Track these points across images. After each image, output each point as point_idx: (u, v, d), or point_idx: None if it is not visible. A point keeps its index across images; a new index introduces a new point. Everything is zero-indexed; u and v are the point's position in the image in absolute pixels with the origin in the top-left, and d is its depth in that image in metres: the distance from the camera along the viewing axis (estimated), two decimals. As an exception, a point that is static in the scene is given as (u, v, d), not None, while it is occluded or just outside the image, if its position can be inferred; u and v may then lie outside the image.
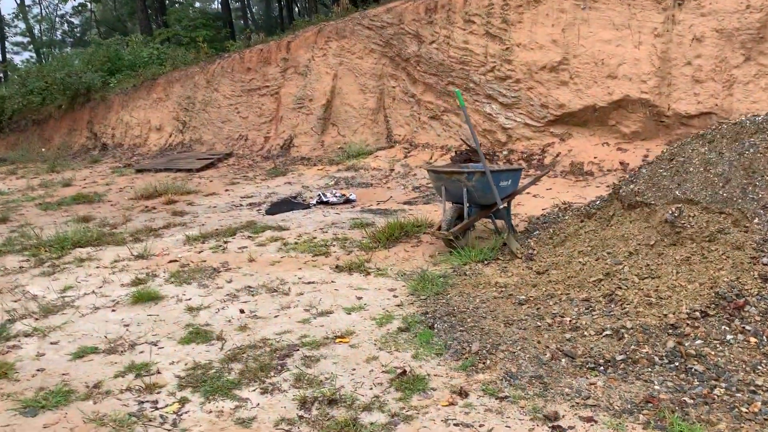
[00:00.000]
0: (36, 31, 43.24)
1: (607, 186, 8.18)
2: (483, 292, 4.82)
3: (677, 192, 4.74)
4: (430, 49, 11.43)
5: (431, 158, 10.89)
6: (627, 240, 4.82)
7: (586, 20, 9.59)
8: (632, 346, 3.70)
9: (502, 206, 5.74)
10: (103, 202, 10.38)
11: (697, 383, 3.28)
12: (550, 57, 9.81)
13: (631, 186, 5.11)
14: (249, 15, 47.32)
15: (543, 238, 5.61)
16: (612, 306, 4.22)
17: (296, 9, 34.76)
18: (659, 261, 4.49)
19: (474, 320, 4.25)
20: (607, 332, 3.88)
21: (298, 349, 4.05)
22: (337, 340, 4.14)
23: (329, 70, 13.33)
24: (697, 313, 3.83)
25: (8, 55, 42.41)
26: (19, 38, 45.02)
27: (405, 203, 8.70)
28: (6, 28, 42.85)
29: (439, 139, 11.32)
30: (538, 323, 4.13)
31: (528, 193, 8.01)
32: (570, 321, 4.10)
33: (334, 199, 9.02)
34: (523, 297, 4.58)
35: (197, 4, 43.01)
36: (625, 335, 3.81)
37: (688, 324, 3.78)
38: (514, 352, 3.76)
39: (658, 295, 4.17)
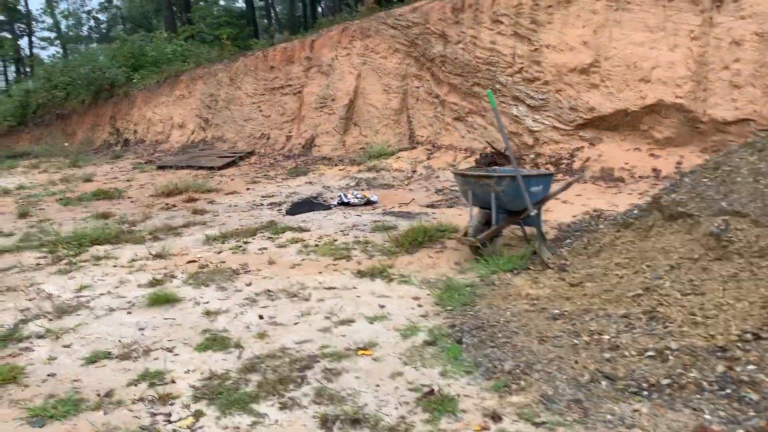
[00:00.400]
0: (63, 27, 43.70)
1: (640, 193, 7.89)
2: (513, 304, 4.58)
3: (723, 203, 4.46)
4: (456, 49, 11.19)
5: (455, 160, 10.65)
6: (668, 253, 4.54)
7: (619, 22, 9.28)
8: (678, 370, 3.44)
9: (533, 213, 5.48)
10: (124, 199, 10.29)
11: (753, 413, 3.01)
12: (581, 59, 9.52)
13: (673, 195, 4.83)
14: (273, 14, 47.39)
15: (576, 247, 5.35)
16: (654, 324, 3.96)
17: (320, 8, 34.68)
18: (704, 276, 4.21)
19: (505, 335, 4.01)
20: (650, 353, 3.62)
21: (318, 361, 3.84)
22: (360, 352, 3.93)
23: (353, 69, 13.14)
24: (749, 335, 3.55)
25: (35, 50, 42.89)
26: (46, 33, 45.56)
27: (428, 206, 8.47)
28: (33, 23, 43.35)
29: (463, 141, 11.08)
30: (575, 341, 3.89)
31: (557, 198, 7.71)
32: (609, 339, 3.85)
33: (356, 201, 8.83)
34: (557, 311, 4.33)
35: (222, 2, 43.17)
36: (670, 357, 3.55)
37: (738, 347, 3.50)
38: (550, 373, 3.52)
39: (704, 313, 3.90)
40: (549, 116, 9.85)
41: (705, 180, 4.75)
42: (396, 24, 12.46)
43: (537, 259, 5.43)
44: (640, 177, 8.45)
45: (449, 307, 4.60)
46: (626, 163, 8.74)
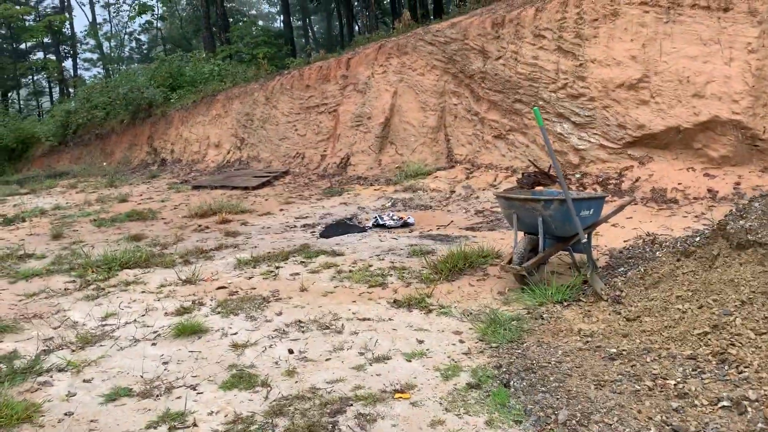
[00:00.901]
0: (105, 48, 44.83)
1: (696, 216, 7.40)
2: (565, 341, 4.18)
3: (801, 231, 4.01)
4: (496, 65, 10.85)
5: (495, 180, 10.27)
6: (737, 286, 4.10)
7: (669, 35, 8.83)
8: (759, 425, 3.00)
9: (585, 239, 5.08)
10: (157, 220, 10.18)
11: None
12: (629, 74, 9.08)
13: (741, 222, 4.39)
14: (310, 33, 47.88)
15: (631, 277, 4.93)
16: (725, 368, 3.52)
17: (357, 27, 34.78)
18: (781, 314, 3.76)
19: (557, 378, 3.62)
20: (724, 403, 3.19)
21: (351, 404, 3.51)
22: (396, 395, 3.59)
23: (389, 87, 12.91)
24: (841, 386, 3.10)
25: (79, 71, 44.08)
26: (89, 55, 46.81)
27: (467, 228, 8.11)
28: (78, 45, 44.59)
29: (503, 160, 10.69)
30: (636, 386, 3.47)
31: (606, 221, 7.29)
32: (675, 385, 3.43)
33: (392, 223, 8.52)
34: (614, 350, 3.92)
35: (260, 23, 43.81)
36: (749, 409, 3.11)
37: (829, 399, 3.06)
38: (611, 425, 3.12)
39: (785, 357, 3.46)
40: (595, 134, 9.41)
41: (778, 205, 4.30)
42: (434, 40, 12.19)
43: (588, 290, 5.03)
44: (695, 198, 7.94)
45: (494, 344, 4.22)
46: (679, 184, 8.24)
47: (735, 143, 8.18)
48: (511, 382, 3.63)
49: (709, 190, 7.98)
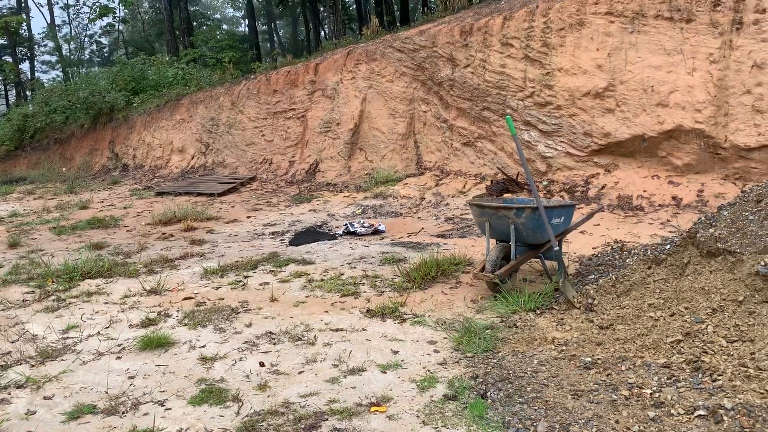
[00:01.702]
0: (65, 51, 43.72)
1: (661, 223, 7.51)
2: (540, 350, 4.16)
3: (769, 240, 4.07)
4: (465, 72, 10.89)
5: (464, 187, 10.29)
6: (708, 293, 4.14)
7: (634, 44, 8.98)
8: (736, 433, 3.02)
9: (557, 247, 5.09)
10: (119, 228, 9.91)
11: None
12: (595, 83, 9.20)
13: (711, 230, 4.44)
14: (276, 38, 47.57)
15: (603, 285, 4.94)
16: (699, 376, 3.55)
17: (323, 32, 34.66)
18: (751, 321, 3.81)
19: (534, 389, 3.59)
20: (701, 412, 3.21)
21: (326, 419, 3.43)
22: (372, 408, 3.51)
23: (358, 93, 12.85)
24: (813, 393, 3.14)
25: (36, 74, 42.88)
26: (47, 57, 45.59)
27: (438, 236, 8.09)
28: (35, 46, 43.40)
29: (472, 167, 10.72)
30: (613, 395, 3.47)
31: (576, 229, 7.35)
32: (651, 394, 3.44)
33: (362, 230, 8.45)
34: (589, 359, 3.92)
35: (225, 27, 43.34)
36: (725, 418, 3.13)
37: (802, 406, 3.10)
38: (590, 436, 3.10)
39: (756, 364, 3.50)
40: (562, 142, 9.51)
41: (746, 214, 4.37)
42: (402, 47, 12.19)
43: (561, 297, 5.04)
44: (660, 205, 8.06)
45: (469, 354, 4.18)
46: (644, 191, 8.37)
47: (698, 151, 8.35)
48: (488, 393, 3.59)
49: (674, 198, 8.12)
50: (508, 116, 4.74)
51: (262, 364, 4.23)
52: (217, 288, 6.12)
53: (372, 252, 7.30)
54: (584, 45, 9.41)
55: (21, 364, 4.45)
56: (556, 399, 3.47)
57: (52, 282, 6.49)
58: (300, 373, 4.07)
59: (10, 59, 36.38)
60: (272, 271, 6.66)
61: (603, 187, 8.79)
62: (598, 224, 7.63)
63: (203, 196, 12.62)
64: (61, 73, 41.50)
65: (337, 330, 4.81)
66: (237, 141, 15.19)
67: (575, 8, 9.56)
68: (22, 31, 39.45)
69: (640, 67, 8.85)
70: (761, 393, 3.30)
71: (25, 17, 39.02)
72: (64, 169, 18.69)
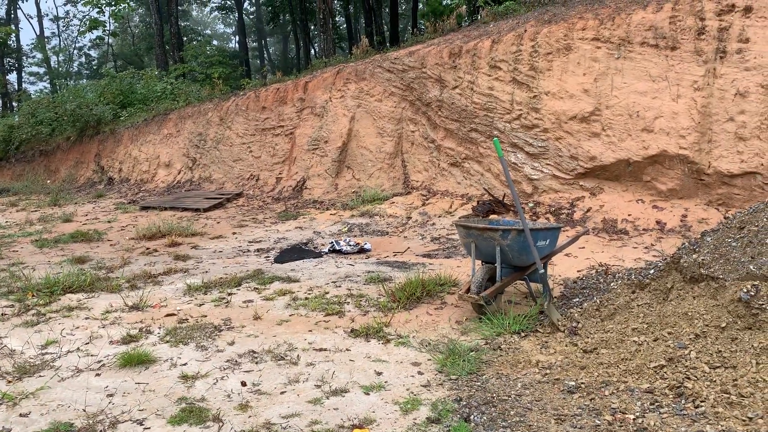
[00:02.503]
0: (53, 63, 43.57)
1: (645, 247, 7.57)
2: (524, 373, 4.15)
3: (751, 266, 4.11)
4: (453, 94, 10.98)
5: (451, 207, 10.31)
6: (691, 319, 4.17)
7: (620, 70, 9.11)
8: (718, 461, 3.02)
9: (542, 269, 5.11)
10: (103, 241, 9.81)
11: None
12: (581, 107, 9.31)
13: (694, 256, 4.48)
14: (266, 55, 47.76)
15: (587, 308, 4.95)
16: (683, 402, 3.55)
17: (313, 50, 34.86)
18: (733, 347, 3.84)
19: (518, 413, 3.57)
20: (683, 438, 3.21)
21: (308, 441, 3.38)
22: (355, 430, 3.48)
23: (347, 111, 12.90)
24: (794, 421, 3.16)
25: (24, 85, 42.65)
26: (35, 68, 45.39)
27: (424, 255, 8.08)
28: (23, 58, 43.21)
29: (459, 187, 10.77)
30: (596, 420, 3.46)
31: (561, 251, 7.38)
32: (634, 420, 3.43)
33: (348, 248, 8.42)
34: (573, 383, 3.92)
35: (215, 42, 43.46)
36: (708, 445, 3.13)
37: (784, 434, 3.10)
38: (573, 462, 3.09)
39: (738, 391, 3.51)
40: (548, 164, 9.58)
41: (729, 240, 4.41)
42: (392, 67, 12.27)
43: (545, 320, 5.04)
44: (644, 229, 8.13)
45: (453, 376, 4.16)
46: (629, 215, 8.44)
47: (682, 177, 8.44)
48: (472, 416, 3.57)
49: (658, 222, 8.19)
50: (495, 138, 4.77)
51: (243, 384, 4.18)
52: (200, 305, 6.06)
53: (357, 271, 7.27)
54: (571, 69, 9.53)
55: (-3, 379, 4.36)
56: (540, 423, 3.45)
57: (32, 296, 6.40)
58: (282, 393, 4.03)
59: (-3, 70, 36.20)
60: (256, 288, 6.61)
61: (588, 210, 8.86)
62: (583, 247, 7.67)
63: (189, 211, 12.55)
64: (48, 85, 41.34)
65: (320, 350, 4.77)
66: (224, 157, 15.16)
67: (563, 33, 9.69)
68: (11, 41, 39.31)
69: (625, 92, 8.97)
70: (743, 420, 3.30)
71: (13, 28, 38.92)
72: (48, 181, 18.53)
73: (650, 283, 4.82)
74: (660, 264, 4.97)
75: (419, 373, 4.28)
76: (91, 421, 3.70)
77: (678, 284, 4.56)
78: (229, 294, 6.40)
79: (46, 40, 42.87)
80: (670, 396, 3.65)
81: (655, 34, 8.82)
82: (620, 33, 9.12)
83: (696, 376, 3.74)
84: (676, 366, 3.89)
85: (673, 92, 8.61)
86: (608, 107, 9.08)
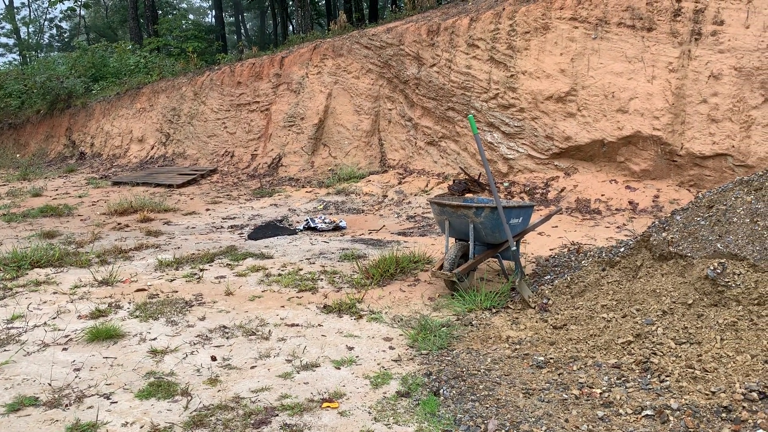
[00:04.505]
0: (23, 34, 42.41)
1: (617, 227, 7.65)
2: (494, 349, 4.19)
3: (719, 245, 4.17)
4: (431, 72, 10.92)
5: (427, 185, 10.31)
6: (659, 296, 4.23)
7: (597, 51, 9.12)
8: (680, 433, 3.08)
9: (514, 247, 5.13)
10: (73, 216, 9.64)
11: (772, 492, 2.66)
12: (557, 87, 9.32)
13: (663, 234, 4.53)
14: (243, 30, 46.99)
15: (558, 285, 5.00)
16: (648, 377, 3.61)
17: (291, 26, 34.37)
18: (699, 324, 3.90)
19: (487, 387, 3.60)
20: (648, 412, 3.26)
21: (277, 414, 3.38)
22: (324, 404, 3.48)
23: (323, 88, 12.77)
24: (755, 394, 3.23)
25: (-8, 57, 41.50)
26: (4, 39, 44.15)
27: (399, 234, 8.08)
28: (-8, 28, 42.00)
29: (435, 166, 10.76)
30: (564, 394, 3.50)
31: (534, 230, 7.43)
32: (600, 393, 3.48)
33: (323, 226, 8.39)
34: (542, 358, 3.96)
35: (191, 17, 42.64)
36: (671, 418, 3.19)
37: (744, 407, 3.17)
38: (539, 434, 3.12)
39: (703, 366, 3.58)
40: (524, 144, 9.60)
41: (698, 219, 4.46)
42: (369, 44, 12.15)
43: (516, 297, 5.08)
44: (616, 209, 8.21)
45: (424, 351, 4.18)
46: (602, 195, 8.51)
47: (655, 158, 8.53)
48: (441, 390, 3.59)
49: (630, 202, 8.27)
50: (470, 115, 4.75)
51: (213, 358, 4.15)
52: (172, 280, 6.00)
53: (332, 248, 7.25)
54: (548, 49, 9.52)
55: (-40, 354, 4.28)
56: (508, 397, 3.48)
57: (-1, 270, 6.27)
58: (252, 367, 4.01)
59: (-36, 40, 35.11)
60: (229, 264, 6.55)
61: (562, 190, 8.91)
62: (556, 226, 7.73)
63: (162, 187, 12.37)
64: (18, 57, 40.23)
65: (292, 325, 4.76)
66: (198, 132, 14.94)
67: (540, 12, 9.66)
68: (-22, 11, 38.15)
69: (601, 73, 9.00)
70: (706, 394, 3.37)
71: (-19, -3, 37.74)
72: (17, 155, 18.12)
73: (620, 261, 4.87)
74: (630, 242, 5.03)
75: (390, 348, 4.29)
76: (56, 395, 3.65)
77: (647, 262, 4.62)
78: (201, 270, 6.34)
79: (15, 10, 41.64)
80: (637, 371, 3.70)
81: (632, 14, 8.84)
82: (597, 13, 9.11)
83: (662, 352, 3.80)
84: (643, 342, 3.95)
85: (648, 73, 8.66)
86: (584, 87, 9.11)
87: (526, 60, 9.72)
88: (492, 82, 10.05)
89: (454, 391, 3.58)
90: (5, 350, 4.35)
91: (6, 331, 4.72)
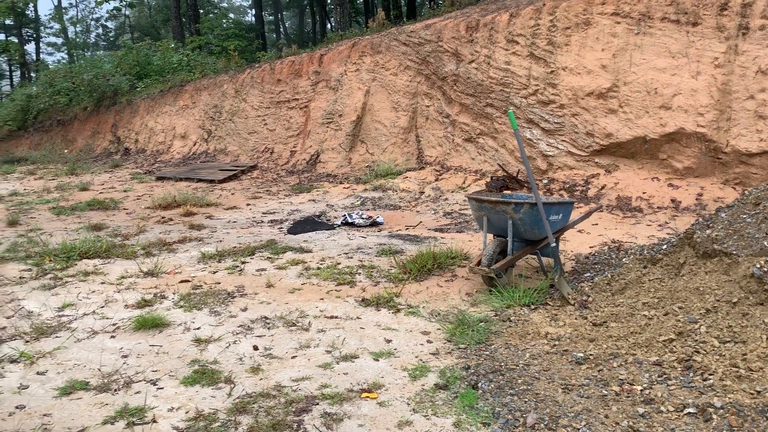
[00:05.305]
0: (71, 33, 43.66)
1: (659, 225, 7.52)
2: (532, 344, 4.18)
3: (766, 242, 4.08)
4: (469, 68, 10.88)
5: (464, 182, 10.29)
6: (703, 294, 4.16)
7: (640, 46, 8.97)
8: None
9: (554, 243, 5.10)
10: (119, 210, 9.92)
11: (819, 493, 2.61)
12: (599, 83, 9.19)
13: (708, 231, 4.46)
14: (282, 28, 47.48)
15: (598, 283, 4.96)
16: (691, 375, 3.56)
17: (329, 24, 34.60)
18: (744, 323, 3.83)
19: (525, 381, 3.61)
20: (690, 410, 3.22)
21: (317, 403, 3.44)
22: (363, 394, 3.53)
23: (361, 85, 12.84)
24: (802, 394, 3.16)
25: (41, 55, 42.84)
26: (53, 39, 45.53)
27: (436, 230, 8.10)
28: (41, 28, 43.32)
29: (473, 163, 10.73)
30: (603, 390, 3.49)
31: (574, 227, 7.36)
32: (641, 390, 3.45)
33: (360, 221, 8.45)
34: (581, 355, 3.94)
35: (231, 15, 43.27)
36: (714, 416, 3.15)
37: (791, 407, 3.11)
38: (579, 429, 3.12)
39: (747, 365, 3.51)
40: (564, 141, 9.51)
41: (744, 216, 4.38)
42: (408, 41, 12.17)
43: (555, 294, 5.05)
44: (658, 207, 8.07)
45: (462, 345, 4.20)
46: (644, 193, 8.37)
47: (699, 155, 8.35)
48: (479, 384, 3.61)
49: (673, 200, 8.12)
50: (510, 111, 4.74)
51: (255, 348, 4.25)
52: (214, 272, 6.14)
53: (369, 243, 7.31)
54: (590, 45, 9.40)
55: (15, 339, 4.47)
56: (547, 392, 3.48)
57: (50, 261, 6.51)
58: (293, 357, 4.09)
59: (16, 40, 36.33)
60: (269, 257, 6.67)
61: (603, 188, 8.80)
62: (596, 224, 7.64)
63: (204, 182, 12.63)
64: (66, 56, 41.47)
65: (331, 317, 4.83)
66: (239, 129, 15.18)
67: (582, 8, 9.55)
68: (29, 12, 39.40)
69: (644, 68, 8.85)
70: (751, 393, 3.31)
71: (31, -2, 39.01)
72: (65, 150, 18.69)
73: (662, 259, 4.81)
74: (673, 240, 4.95)
75: (428, 341, 4.32)
76: (106, 380, 3.79)
77: (690, 260, 4.55)
78: (243, 262, 6.47)
79: (63, 10, 42.92)
80: (679, 369, 3.65)
81: (677, 9, 8.66)
82: (641, 8, 8.96)
83: (705, 350, 3.75)
84: (685, 340, 3.89)
85: (692, 69, 8.48)
86: (626, 83, 8.97)
87: (566, 56, 9.62)
88: (532, 78, 9.97)
89: (493, 385, 3.59)
90: (57, 337, 4.52)
91: (57, 318, 4.91)
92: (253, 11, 43.25)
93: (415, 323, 4.68)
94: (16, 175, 15.17)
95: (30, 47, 41.32)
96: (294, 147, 13.81)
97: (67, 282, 5.87)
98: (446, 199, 9.78)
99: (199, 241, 7.55)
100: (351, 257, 6.66)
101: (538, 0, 10.53)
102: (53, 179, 13.82)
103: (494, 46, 10.56)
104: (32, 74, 33.19)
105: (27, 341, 4.43)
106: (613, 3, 9.25)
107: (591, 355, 3.95)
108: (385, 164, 11.62)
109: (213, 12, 39.10)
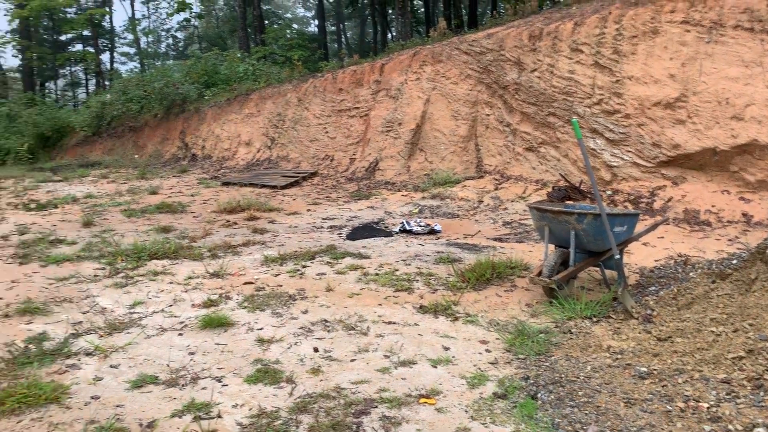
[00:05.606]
0: (143, 44, 45.56)
1: (729, 239, 7.26)
2: (594, 357, 4.12)
3: None
4: (531, 77, 10.79)
5: (524, 192, 10.19)
6: (776, 312, 4.00)
7: (710, 55, 8.70)
8: (796, 454, 2.92)
9: (618, 255, 5.01)
10: (186, 213, 10.28)
11: None
12: (666, 92, 8.96)
13: (782, 246, 4.29)
14: (344, 38, 48.17)
15: (663, 297, 4.84)
16: (761, 394, 3.43)
17: (390, 34, 34.90)
18: (820, 342, 3.66)
19: (586, 394, 3.56)
20: (760, 429, 3.11)
21: (376, 406, 3.49)
22: (422, 400, 3.56)
23: (421, 94, 12.91)
24: None
25: (115, 65, 44.85)
26: (126, 49, 47.62)
27: (495, 239, 8.05)
28: (116, 38, 45.40)
29: (533, 173, 10.61)
30: (668, 406, 3.40)
31: (638, 239, 7.18)
32: (708, 408, 3.35)
33: (418, 229, 8.49)
34: (645, 369, 3.85)
35: (295, 26, 44.21)
36: (786, 437, 3.03)
37: None
38: (641, 444, 3.06)
39: (823, 387, 3.36)
40: (629, 151, 9.30)
41: (822, 231, 4.19)
42: (469, 50, 12.17)
43: (619, 307, 4.95)
44: (728, 222, 7.79)
45: (521, 356, 4.17)
46: (713, 206, 8.09)
47: (773, 168, 8.02)
48: (539, 395, 3.58)
49: (744, 214, 7.82)
50: (574, 119, 4.70)
51: (316, 350, 4.34)
52: (276, 275, 6.29)
53: (427, 251, 7.33)
54: (657, 54, 9.18)
55: (90, 333, 4.70)
56: (609, 405, 3.43)
57: (122, 260, 6.81)
58: (352, 360, 4.16)
59: (92, 50, 38.17)
60: (329, 262, 6.79)
61: (669, 200, 8.55)
62: (662, 237, 7.44)
63: (267, 188, 12.94)
64: (138, 65, 43.28)
65: (389, 323, 4.88)
66: (301, 136, 15.50)
67: (650, 16, 9.34)
68: (105, 23, 41.37)
69: (715, 78, 8.57)
70: (826, 416, 3.17)
71: (108, 10, 40.95)
72: (136, 155, 19.50)
73: (732, 274, 4.65)
74: (744, 255, 4.78)
75: (487, 350, 4.32)
76: (174, 375, 3.95)
77: (763, 275, 4.38)
78: (303, 266, 6.60)
79: (136, 21, 44.86)
80: (748, 387, 3.53)
81: (751, 16, 8.37)
82: (712, 15, 8.70)
83: (777, 370, 3.61)
84: (756, 358, 3.75)
85: (767, 78, 8.16)
86: (695, 93, 8.70)
87: (632, 65, 9.42)
88: (596, 87, 9.80)
89: (552, 396, 3.56)
90: (128, 332, 4.73)
91: (129, 315, 5.14)
92: (316, 22, 44.10)
93: (473, 332, 4.68)
94: (90, 178, 15.93)
95: (105, 57, 43.41)
96: (353, 154, 13.99)
97: (137, 281, 6.13)
98: (506, 208, 9.71)
99: (262, 244, 7.75)
100: (409, 264, 6.71)
101: (603, 8, 10.36)
102: (125, 183, 14.45)
103: (558, 55, 10.44)
104: (106, 83, 34.78)
105: (101, 336, 4.66)
106: (683, 11, 9.01)
107: (655, 369, 3.86)
108: (444, 172, 11.63)
109: (278, 23, 40.07)
